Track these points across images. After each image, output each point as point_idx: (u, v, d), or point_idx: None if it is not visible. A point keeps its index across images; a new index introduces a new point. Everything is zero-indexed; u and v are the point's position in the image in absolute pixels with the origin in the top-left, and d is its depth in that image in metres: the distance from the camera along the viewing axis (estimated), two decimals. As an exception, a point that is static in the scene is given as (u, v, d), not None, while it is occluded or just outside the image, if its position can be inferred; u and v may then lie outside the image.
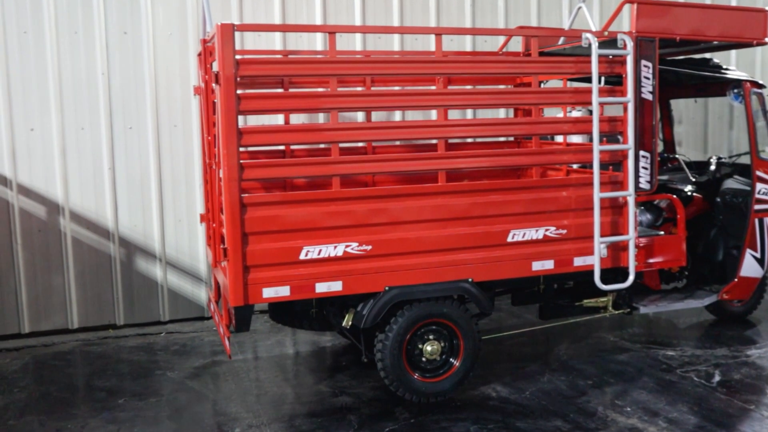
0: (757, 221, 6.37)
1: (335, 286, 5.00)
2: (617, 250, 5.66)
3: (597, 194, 5.41)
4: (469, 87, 6.55)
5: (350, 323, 5.24)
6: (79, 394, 5.64)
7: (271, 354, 6.50)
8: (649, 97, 5.65)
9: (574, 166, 6.36)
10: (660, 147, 7.47)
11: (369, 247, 5.02)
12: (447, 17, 8.07)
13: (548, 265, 5.50)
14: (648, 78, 5.62)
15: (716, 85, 6.57)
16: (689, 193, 6.71)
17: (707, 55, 6.71)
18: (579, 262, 5.57)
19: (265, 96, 5.01)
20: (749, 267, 6.43)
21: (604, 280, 5.69)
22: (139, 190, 7.17)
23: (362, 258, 5.02)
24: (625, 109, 5.52)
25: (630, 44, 5.41)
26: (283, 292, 4.90)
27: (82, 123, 6.96)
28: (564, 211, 5.49)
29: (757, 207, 6.35)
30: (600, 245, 5.51)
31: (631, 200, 5.53)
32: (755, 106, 6.34)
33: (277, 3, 7.41)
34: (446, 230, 5.20)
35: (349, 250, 4.98)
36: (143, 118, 7.11)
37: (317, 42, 7.59)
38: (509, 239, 5.36)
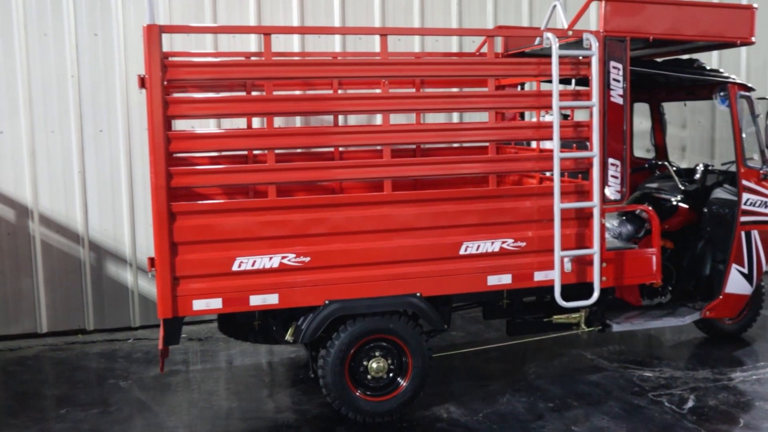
0: (743, 234, 5.93)
1: (271, 299, 4.78)
2: (583, 264, 5.31)
3: (557, 205, 5.08)
4: (438, 90, 6.25)
5: (292, 337, 5.02)
6: (24, 402, 5.53)
7: (232, 364, 6.31)
8: (619, 100, 5.29)
9: (547, 174, 6.02)
10: (651, 153, 7.09)
11: (307, 259, 4.79)
12: (431, 18, 7.79)
13: (505, 279, 5.18)
14: (618, 80, 5.26)
15: (704, 87, 6.15)
16: (674, 203, 6.30)
17: (695, 56, 6.28)
18: (540, 276, 5.25)
19: (195, 100, 4.81)
20: (735, 283, 5.99)
21: (570, 296, 5.36)
22: (109, 194, 7.07)
23: (300, 270, 4.79)
24: (592, 114, 5.17)
25: (595, 44, 5.07)
26: (214, 304, 4.70)
27: (51, 126, 6.89)
28: (523, 223, 5.17)
29: (743, 219, 5.91)
30: (561, 259, 5.18)
31: (596, 211, 5.18)
32: (742, 111, 5.90)
33: (252, 3, 7.23)
34: (392, 242, 4.93)
35: (285, 261, 4.76)
36: (114, 120, 7.01)
37: (294, 43, 7.39)
38: (462, 252, 5.06)
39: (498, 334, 6.95)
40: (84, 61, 6.90)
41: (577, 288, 5.34)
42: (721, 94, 5.87)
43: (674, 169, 6.60)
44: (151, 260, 4.60)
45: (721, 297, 6.00)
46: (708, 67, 6.00)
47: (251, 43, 7.28)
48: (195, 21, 7.11)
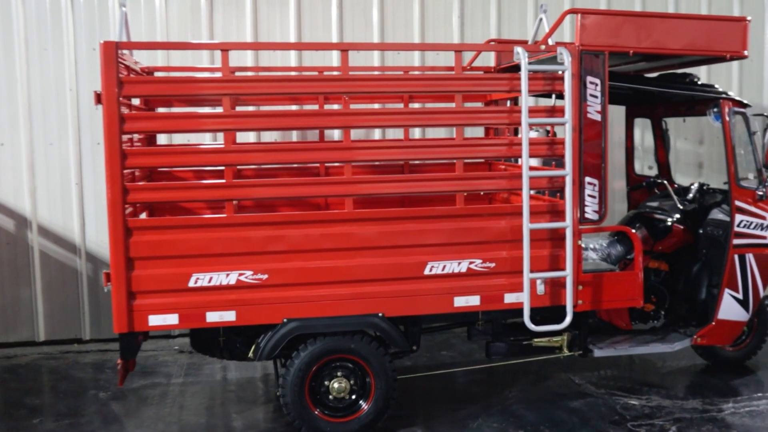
0: (737, 258, 5.62)
1: (228, 316, 4.75)
2: (558, 286, 5.11)
3: (527, 225, 4.90)
4: (401, 106, 6.10)
5: (253, 355, 4.97)
6: (1, 410, 5.63)
7: (214, 378, 6.30)
8: (597, 117, 5.09)
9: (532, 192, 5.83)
10: (654, 170, 6.82)
11: (265, 276, 4.74)
12: (432, 31, 7.69)
13: (473, 301, 5.03)
14: (595, 96, 5.07)
15: (701, 103, 5.87)
16: (668, 223, 6.03)
17: (689, 70, 6.01)
18: (511, 298, 5.07)
19: (151, 116, 4.83)
20: (729, 309, 5.68)
21: (551, 319, 5.17)
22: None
23: (257, 287, 4.74)
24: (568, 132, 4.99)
25: (567, 59, 4.88)
26: (171, 320, 4.69)
27: (50, 138, 7.05)
28: (492, 243, 5.01)
29: (736, 242, 5.60)
30: (534, 281, 5.01)
31: (569, 232, 4.98)
32: (735, 128, 5.60)
33: (249, 17, 7.27)
34: (353, 260, 4.84)
35: (242, 278, 4.72)
36: (111, 134, 7.10)
37: (291, 58, 7.40)
38: (426, 272, 4.93)
39: (489, 354, 6.75)
40: (82, 75, 7.04)
41: (557, 311, 5.13)
42: (714, 110, 5.59)
43: (675, 187, 6.32)
44: (107, 275, 4.62)
45: (713, 323, 5.69)
46: (700, 82, 5.74)
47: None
48: (191, 36, 7.18)
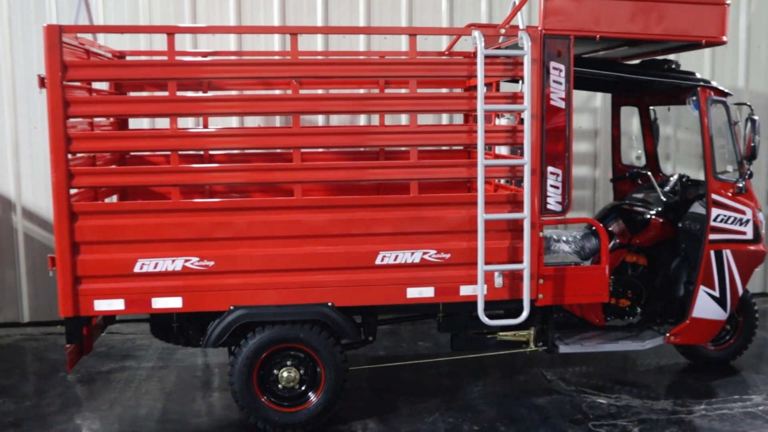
0: (713, 254, 5.37)
1: (174, 303, 4.71)
2: (517, 280, 4.95)
3: (481, 215, 4.75)
4: (349, 92, 5.95)
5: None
6: (-31, 390, 5.73)
7: (184, 364, 6.29)
8: (561, 104, 4.89)
9: (502, 181, 5.68)
10: (642, 161, 6.58)
11: (211, 263, 4.68)
12: (421, 15, 7.51)
13: (427, 292, 4.90)
14: (559, 82, 4.87)
15: (682, 91, 5.62)
16: (646, 217, 5.79)
17: (672, 56, 5.75)
18: (467, 291, 4.93)
19: (95, 101, 4.80)
20: (704, 307, 5.43)
21: (507, 313, 5.04)
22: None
23: (204, 274, 4.69)
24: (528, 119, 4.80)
25: (527, 43, 4.70)
26: (116, 305, 4.67)
27: (34, 122, 7.10)
28: (447, 233, 4.87)
29: (712, 237, 5.35)
30: (490, 274, 4.86)
31: (526, 223, 4.81)
32: (714, 117, 5.34)
33: (232, 2, 7.21)
34: (302, 248, 4.75)
35: (188, 265, 4.67)
36: (95, 118, 7.14)
37: (275, 42, 7.31)
38: (378, 262, 4.82)
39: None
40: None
41: (520, 304, 4.95)
42: (693, 98, 5.34)
43: (661, 179, 6.07)
44: (52, 259, 4.61)
45: (687, 321, 5.46)
46: (680, 69, 5.48)
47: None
48: (174, 20, 7.14)
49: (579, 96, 7.77)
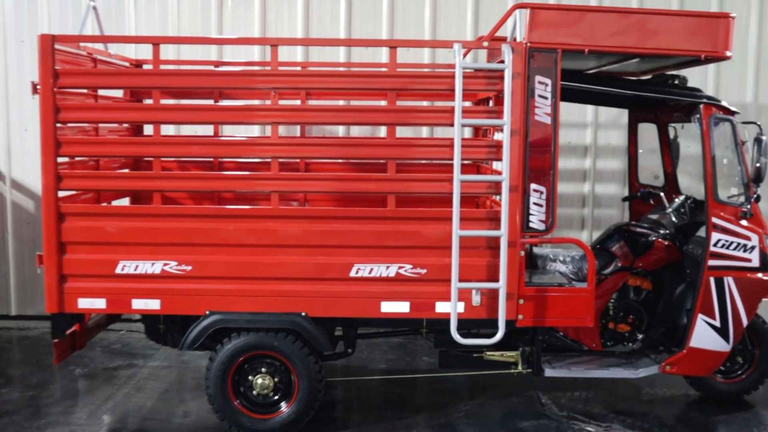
0: (713, 281, 5.07)
1: (152, 305, 4.85)
2: (496, 299, 4.82)
3: (456, 231, 4.67)
4: (327, 103, 5.93)
5: (185, 344, 5.05)
6: (-16, 377, 6.07)
7: (189, 365, 6.44)
8: (546, 119, 4.76)
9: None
10: (661, 181, 6.30)
11: (189, 268, 4.80)
12: (445, 27, 7.46)
13: (402, 307, 4.85)
14: (545, 97, 4.74)
15: (688, 108, 5.35)
16: (650, 239, 5.54)
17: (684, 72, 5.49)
18: (443, 308, 4.84)
19: (85, 107, 4.99)
20: (703, 337, 5.13)
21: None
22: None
23: (182, 278, 4.80)
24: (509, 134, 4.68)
25: (508, 57, 4.59)
26: (99, 304, 4.85)
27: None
28: (423, 248, 4.81)
29: (712, 263, 5.05)
30: (467, 291, 4.77)
31: (503, 241, 4.69)
32: (719, 136, 5.05)
33: (257, 12, 7.37)
34: (277, 257, 4.80)
35: (167, 268, 4.80)
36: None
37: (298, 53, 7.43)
38: (352, 274, 4.81)
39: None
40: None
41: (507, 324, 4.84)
42: (696, 116, 5.07)
43: (681, 200, 5.75)
44: (40, 257, 4.84)
45: (684, 351, 5.17)
46: (684, 85, 5.23)
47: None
48: (201, 31, 7.37)
49: (609, 112, 7.53)
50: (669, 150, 6.17)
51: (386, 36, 7.41)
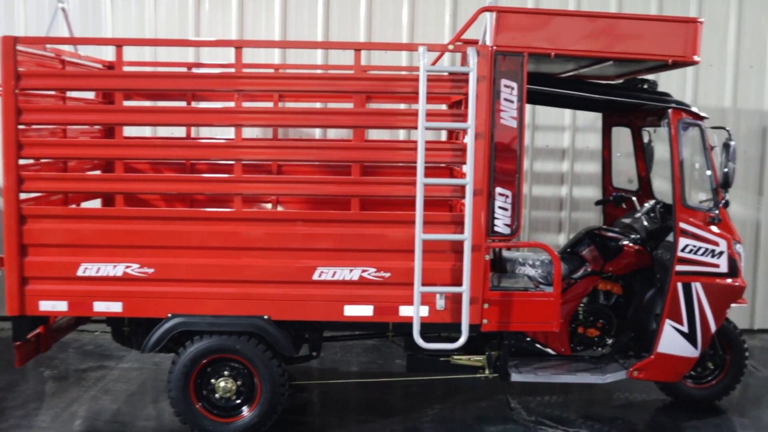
0: (681, 287, 5.04)
1: (114, 307, 4.82)
2: (460, 303, 4.79)
3: (419, 235, 4.63)
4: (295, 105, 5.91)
5: (149, 347, 5.02)
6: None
7: (162, 367, 6.36)
8: (512, 123, 4.73)
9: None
10: (635, 185, 6.27)
11: (151, 270, 4.77)
12: (423, 29, 7.43)
13: (365, 311, 4.82)
14: (511, 101, 4.71)
15: (657, 113, 5.33)
16: (619, 243, 5.51)
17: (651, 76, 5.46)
18: (407, 311, 4.81)
19: (48, 109, 4.97)
20: (671, 343, 5.10)
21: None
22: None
23: (144, 281, 4.78)
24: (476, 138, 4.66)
25: (473, 60, 4.57)
26: (60, 306, 4.82)
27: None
28: (387, 252, 4.78)
29: (679, 268, 5.02)
30: (432, 295, 4.74)
31: (467, 245, 4.66)
32: (687, 141, 5.03)
33: (234, 15, 7.35)
34: (240, 260, 4.77)
35: (129, 271, 4.77)
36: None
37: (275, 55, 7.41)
38: (315, 277, 4.78)
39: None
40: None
41: (472, 329, 4.80)
42: (666, 121, 5.05)
43: (651, 204, 5.72)
44: (1, 259, 4.81)
45: (652, 357, 5.14)
46: (654, 89, 5.21)
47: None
48: (178, 33, 7.35)
49: (587, 116, 7.51)
50: (643, 154, 6.14)
51: (364, 39, 7.40)
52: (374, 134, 6.88)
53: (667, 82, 7.50)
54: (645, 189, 6.17)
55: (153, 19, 7.36)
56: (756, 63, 7.57)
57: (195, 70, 6.25)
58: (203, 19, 7.39)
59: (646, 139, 6.12)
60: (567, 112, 7.55)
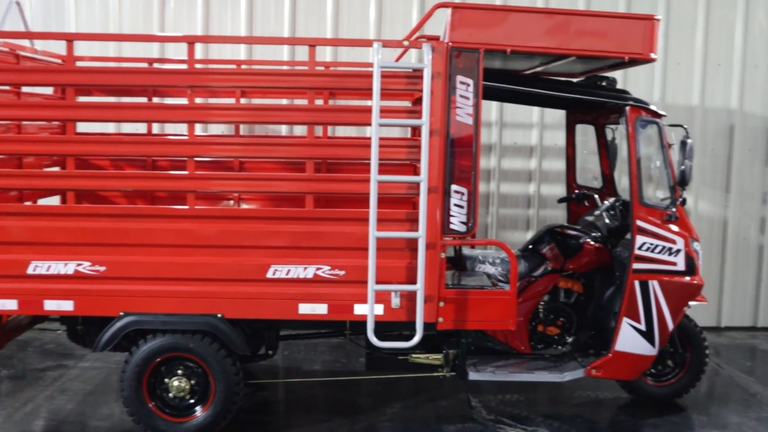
0: (638, 285, 5.02)
1: (66, 306, 4.75)
2: (415, 301, 4.75)
3: (373, 233, 4.59)
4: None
5: (102, 346, 4.95)
6: None
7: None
8: (468, 120, 4.69)
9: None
10: (599, 182, 6.26)
11: (103, 268, 4.70)
12: (390, 26, 7.39)
13: (320, 309, 4.78)
14: (466, 98, 4.68)
15: (617, 111, 5.32)
16: (579, 241, 5.50)
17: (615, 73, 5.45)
18: (362, 310, 4.77)
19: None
20: (628, 341, 5.09)
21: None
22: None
23: (95, 279, 4.71)
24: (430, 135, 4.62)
25: (427, 56, 4.53)
26: (10, 305, 4.74)
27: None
28: (342, 250, 4.74)
29: (636, 266, 5.00)
30: (387, 293, 4.70)
31: (421, 243, 4.62)
32: (645, 139, 5.02)
33: (200, 12, 7.28)
34: (192, 258, 4.71)
35: (80, 269, 4.70)
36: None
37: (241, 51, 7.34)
38: (269, 275, 4.73)
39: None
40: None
41: (428, 327, 4.78)
42: (623, 118, 5.03)
43: (611, 202, 5.71)
44: (-52, 259, 4.73)
45: (610, 355, 5.12)
46: (613, 87, 5.19)
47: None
48: (143, 28, 7.27)
49: (555, 114, 7.48)
50: (607, 152, 6.13)
51: (331, 35, 7.34)
52: (341, 131, 6.89)
53: (636, 80, 7.53)
54: (609, 187, 6.16)
55: (117, 14, 7.28)
56: (723, 61, 7.58)
57: (158, 66, 6.20)
58: (168, 15, 7.30)
59: (610, 137, 6.11)
60: (535, 110, 7.53)
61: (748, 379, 6.34)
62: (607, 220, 5.61)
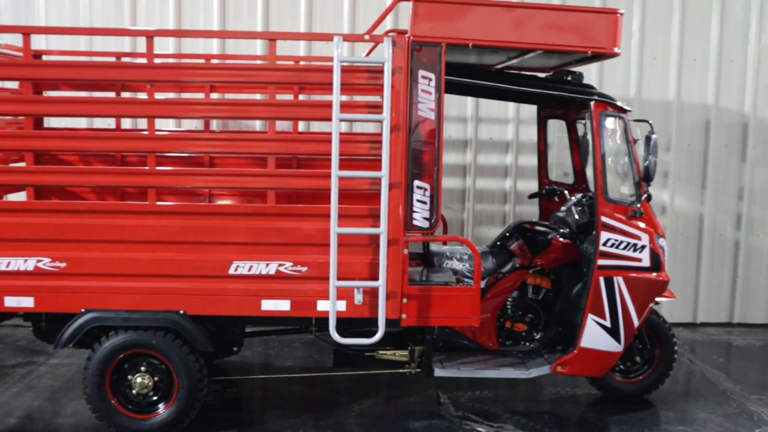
0: (603, 281, 5.01)
1: (26, 302, 4.72)
2: (377, 297, 4.73)
3: (334, 229, 4.57)
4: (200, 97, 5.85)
5: (65, 343, 4.92)
6: None
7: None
8: (430, 115, 4.67)
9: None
10: (571, 178, 6.24)
11: (63, 264, 4.67)
12: (364, 20, 7.35)
13: (283, 305, 4.76)
14: (429, 92, 4.65)
15: (582, 106, 5.30)
16: (547, 237, 5.48)
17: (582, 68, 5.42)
18: (325, 306, 4.75)
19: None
20: (594, 337, 5.08)
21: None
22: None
23: (56, 275, 4.67)
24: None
25: (388, 50, 4.50)
26: (-31, 302, 4.72)
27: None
28: (303, 246, 4.71)
29: (601, 262, 4.99)
30: (350, 289, 4.68)
31: (383, 239, 4.60)
32: (609, 134, 5.00)
33: (171, 3, 7.23)
34: (154, 254, 4.68)
35: (40, 265, 4.66)
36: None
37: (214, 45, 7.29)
38: (231, 271, 4.70)
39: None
40: None
41: (394, 324, 4.77)
42: (588, 113, 5.01)
43: (578, 198, 5.70)
44: None
45: (575, 351, 5.11)
46: (578, 82, 5.16)
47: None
48: (114, 23, 7.22)
49: (531, 109, 7.42)
50: (578, 147, 6.10)
51: (304, 29, 7.30)
52: (316, 127, 6.85)
53: (612, 75, 7.52)
54: (580, 182, 6.14)
55: (88, 9, 7.22)
56: (699, 56, 7.57)
57: (124, 60, 6.15)
58: (140, 8, 7.25)
59: (581, 132, 6.08)
60: (511, 105, 7.50)
61: (719, 375, 6.34)
62: (576, 216, 5.60)
